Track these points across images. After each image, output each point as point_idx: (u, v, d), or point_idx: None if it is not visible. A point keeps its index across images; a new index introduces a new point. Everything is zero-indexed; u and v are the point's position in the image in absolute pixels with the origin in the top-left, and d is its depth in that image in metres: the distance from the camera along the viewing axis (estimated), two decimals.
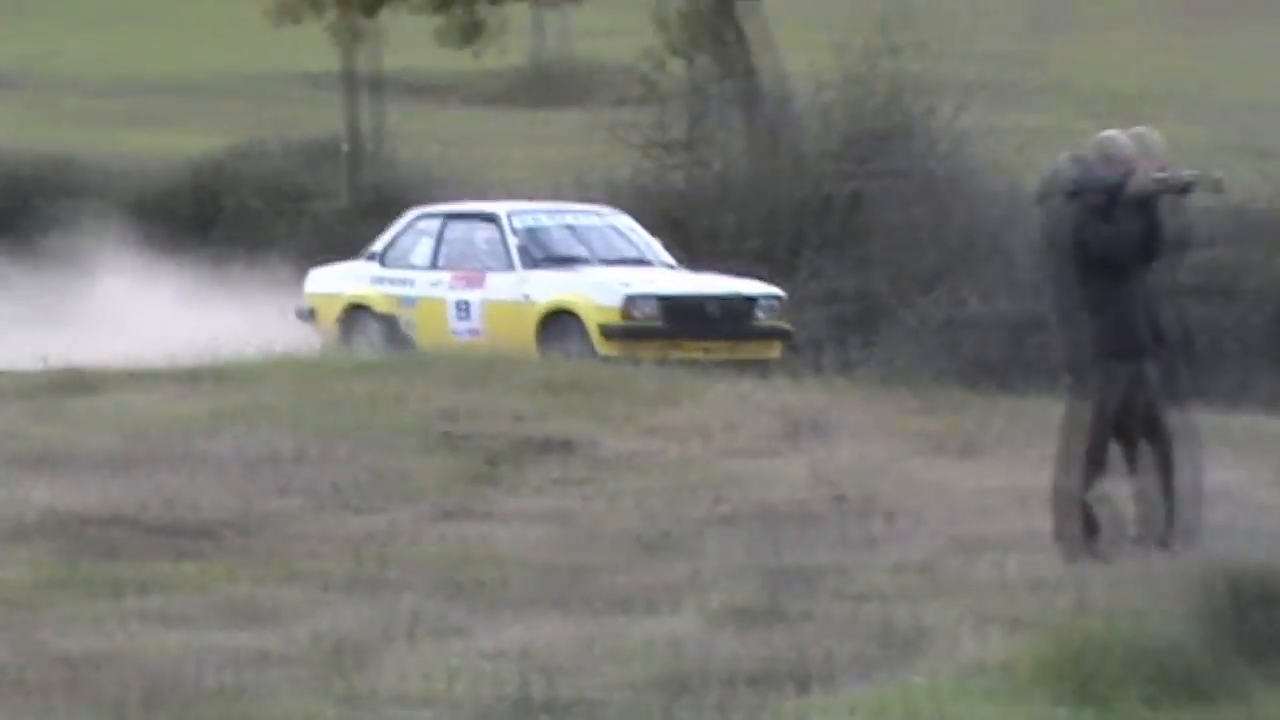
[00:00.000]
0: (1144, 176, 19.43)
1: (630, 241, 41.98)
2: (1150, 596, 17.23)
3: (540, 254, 39.96)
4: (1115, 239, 19.34)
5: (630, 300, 38.18)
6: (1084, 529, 19.31)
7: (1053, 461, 19.84)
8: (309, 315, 39.94)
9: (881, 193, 45.54)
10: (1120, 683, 16.35)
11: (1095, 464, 19.40)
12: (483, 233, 40.45)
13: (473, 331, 38.58)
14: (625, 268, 40.20)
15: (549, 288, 38.67)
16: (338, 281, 40.79)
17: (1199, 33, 47.98)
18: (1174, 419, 19.67)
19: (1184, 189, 19.80)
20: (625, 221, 42.63)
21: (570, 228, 41.41)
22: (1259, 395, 35.06)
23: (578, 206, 43.59)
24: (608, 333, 37.51)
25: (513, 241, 39.61)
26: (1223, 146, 39.25)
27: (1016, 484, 21.81)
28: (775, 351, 39.21)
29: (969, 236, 44.29)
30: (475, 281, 39.03)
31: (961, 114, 47.68)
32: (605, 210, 43.42)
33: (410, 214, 41.82)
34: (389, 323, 39.00)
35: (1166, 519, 19.20)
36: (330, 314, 39.68)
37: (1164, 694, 16.37)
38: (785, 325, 39.53)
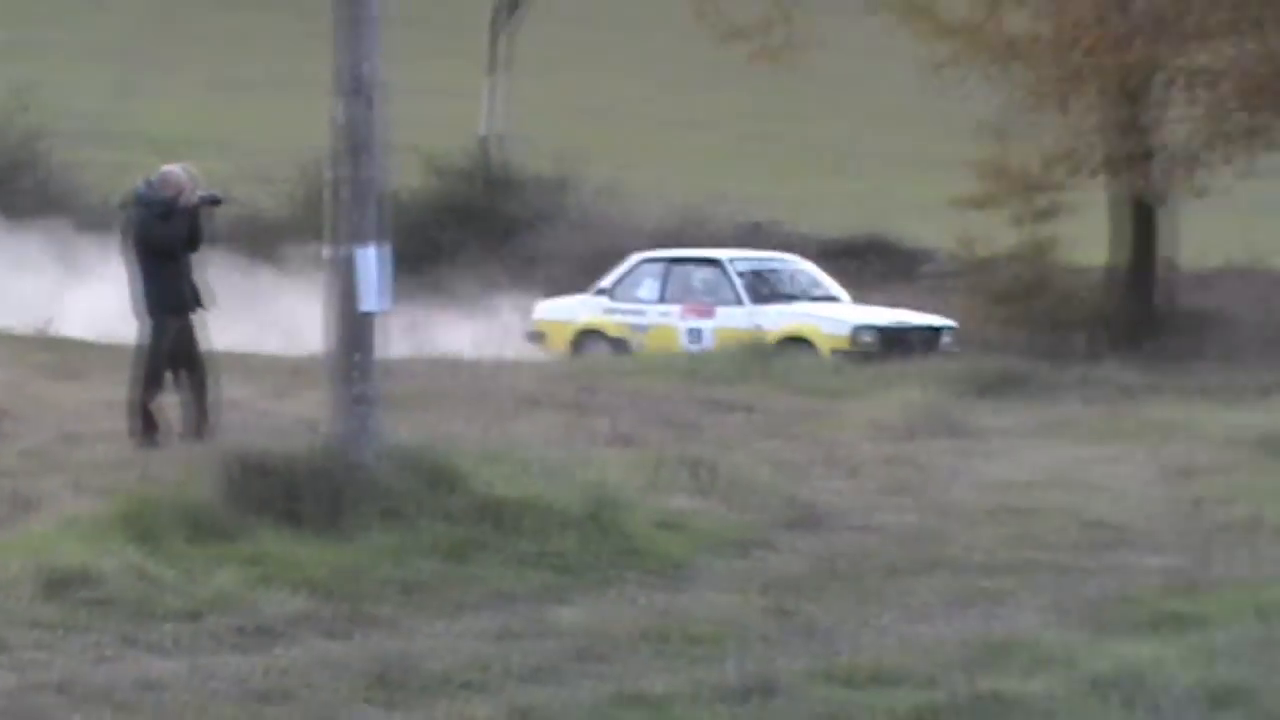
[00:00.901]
0: (191, 195, 19.88)
1: (817, 283, 36.98)
2: (190, 471, 17.29)
3: (762, 291, 35.58)
4: (171, 235, 19.80)
5: (857, 330, 34.02)
6: (147, 427, 19.66)
7: (128, 382, 20.10)
8: (539, 338, 36.17)
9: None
10: (171, 528, 16.43)
11: (154, 383, 19.77)
12: (705, 274, 35.91)
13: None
14: (829, 303, 35.91)
15: (779, 319, 34.58)
16: (569, 311, 36.16)
17: (232, 99, 47.41)
18: (204, 353, 20.10)
19: (215, 203, 20.30)
20: (809, 266, 37.55)
21: (773, 271, 36.84)
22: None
23: (773, 254, 38.55)
24: (839, 355, 33.57)
25: (738, 281, 35.47)
26: (244, 176, 38.94)
27: (107, 398, 21.81)
28: None
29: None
30: (705, 313, 35.29)
31: (68, 152, 46.83)
32: (791, 258, 38.10)
33: (633, 258, 36.62)
34: (620, 344, 35.37)
35: (200, 421, 19.63)
36: (562, 337, 35.81)
37: (200, 536, 16.47)
38: (956, 349, 34.39)
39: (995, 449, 21.15)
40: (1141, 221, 35.39)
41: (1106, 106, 33.35)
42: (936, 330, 35.03)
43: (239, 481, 16.59)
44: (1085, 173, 34.20)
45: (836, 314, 35.04)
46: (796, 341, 33.63)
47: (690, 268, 36.19)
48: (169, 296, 19.83)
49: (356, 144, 16.90)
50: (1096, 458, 20.64)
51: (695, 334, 34.92)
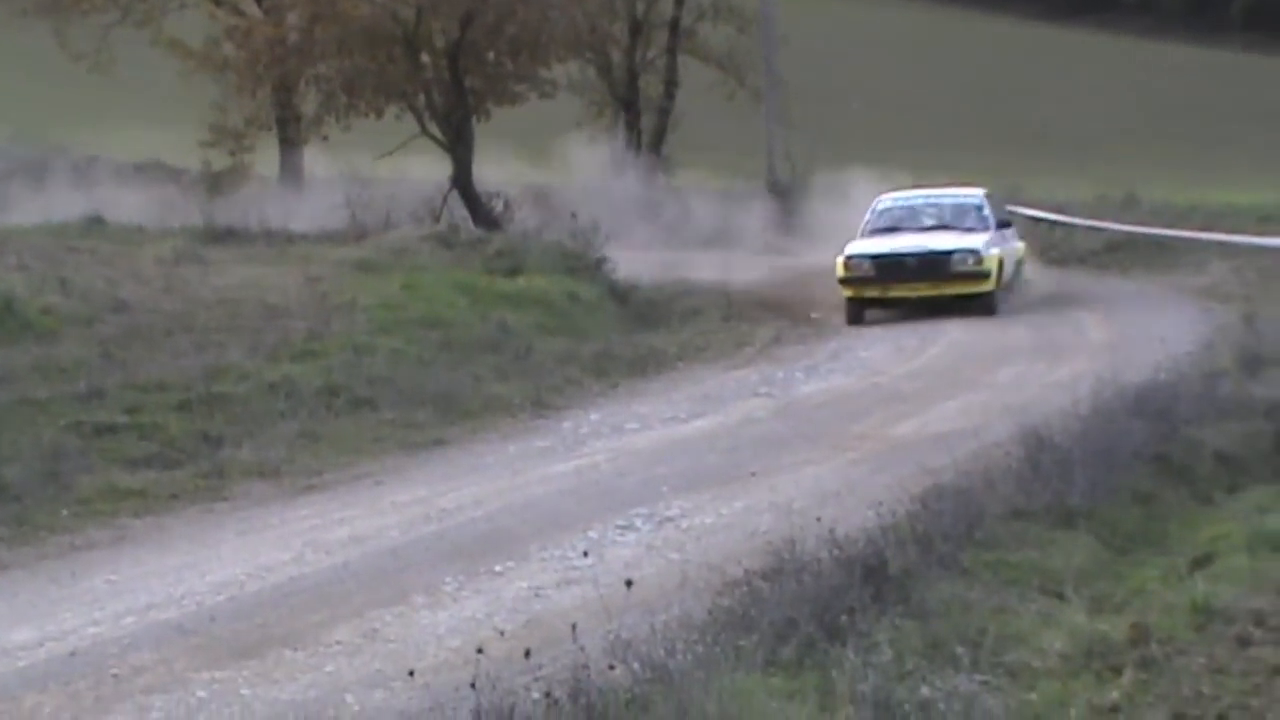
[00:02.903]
0: None
1: (967, 212, 22.62)
2: None
3: (875, 227, 22.44)
4: None
5: (849, 259, 21.33)
6: None
7: None
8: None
9: None
10: None
11: None
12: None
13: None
14: (879, 236, 22.07)
15: (849, 248, 21.67)
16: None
17: None
18: None
19: None
20: (975, 198, 23.01)
21: (917, 207, 23.01)
22: None
23: (945, 191, 23.63)
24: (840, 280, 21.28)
25: (868, 219, 22.72)
26: None
27: None
28: (982, 285, 21.28)
29: None
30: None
31: None
32: (968, 192, 23.48)
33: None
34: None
35: None
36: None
37: None
38: (983, 268, 21.24)
39: (219, 270, 20.45)
40: (295, 151, 34.98)
41: (275, 95, 32.96)
42: (948, 253, 21.47)
43: None
44: (264, 128, 33.75)
45: (856, 246, 21.88)
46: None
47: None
48: None
49: None
50: (270, 273, 20.10)
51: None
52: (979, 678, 6.62)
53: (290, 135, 33.97)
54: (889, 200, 23.34)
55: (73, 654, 8.05)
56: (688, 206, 33.95)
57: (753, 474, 12.05)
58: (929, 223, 22.67)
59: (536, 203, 31.64)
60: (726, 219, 33.41)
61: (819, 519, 8.94)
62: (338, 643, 8.14)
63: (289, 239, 25.24)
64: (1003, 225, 22.89)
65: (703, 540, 10.04)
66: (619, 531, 10.32)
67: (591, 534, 10.21)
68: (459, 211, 30.16)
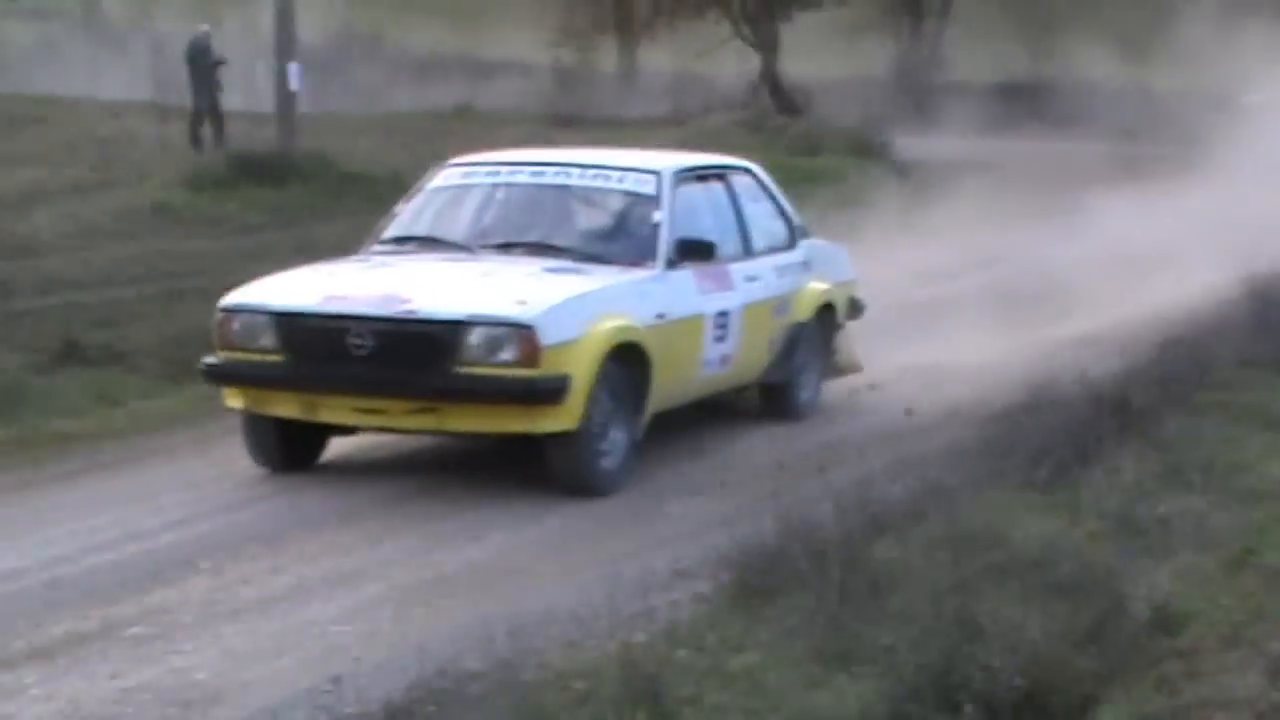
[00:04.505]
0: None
1: (622, 216, 7.22)
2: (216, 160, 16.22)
3: (400, 233, 7.76)
4: None
5: (225, 314, 6.77)
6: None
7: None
8: None
9: None
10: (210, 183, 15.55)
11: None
12: None
13: None
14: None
15: (231, 295, 7.16)
16: None
17: None
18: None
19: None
20: (647, 181, 7.17)
21: (515, 191, 7.48)
22: None
23: (595, 159, 7.38)
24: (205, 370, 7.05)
25: (395, 214, 8.09)
26: None
27: None
28: (544, 418, 6.32)
29: None
30: None
31: None
32: (645, 163, 7.43)
33: None
34: None
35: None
36: None
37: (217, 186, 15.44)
38: (542, 375, 6.22)
39: None
40: (630, 49, 35.02)
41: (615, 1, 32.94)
42: (452, 324, 6.67)
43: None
44: (604, 29, 33.85)
45: (255, 288, 7.33)
46: None
47: None
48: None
49: None
50: None
51: None
52: (1209, 498, 6.53)
53: (626, 35, 34.13)
54: (456, 173, 8.38)
55: None
56: (963, 98, 33.01)
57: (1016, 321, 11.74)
58: (513, 236, 7.80)
59: (831, 95, 31.21)
60: (998, 112, 32.38)
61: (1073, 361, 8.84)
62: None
63: (622, 124, 25.46)
64: (738, 251, 8.40)
65: (972, 378, 9.79)
66: (899, 371, 10.14)
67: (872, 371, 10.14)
68: (766, 101, 30.01)
